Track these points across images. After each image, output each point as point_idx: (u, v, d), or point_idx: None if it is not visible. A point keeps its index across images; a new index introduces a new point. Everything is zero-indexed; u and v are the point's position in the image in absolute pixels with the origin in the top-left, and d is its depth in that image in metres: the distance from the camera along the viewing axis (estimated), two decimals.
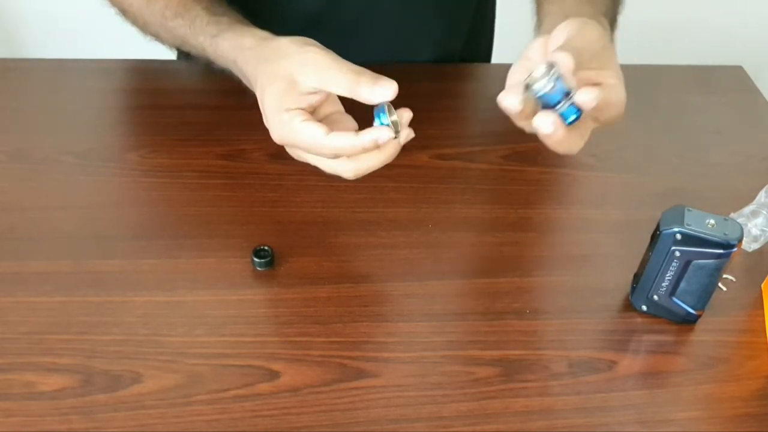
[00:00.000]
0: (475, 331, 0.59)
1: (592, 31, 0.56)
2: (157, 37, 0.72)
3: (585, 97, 0.51)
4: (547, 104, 0.52)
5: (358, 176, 0.58)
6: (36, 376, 0.54)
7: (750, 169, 0.77)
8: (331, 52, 0.56)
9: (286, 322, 0.59)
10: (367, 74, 0.54)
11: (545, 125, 0.51)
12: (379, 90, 0.53)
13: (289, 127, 0.55)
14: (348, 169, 0.57)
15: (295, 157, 0.59)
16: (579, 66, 0.51)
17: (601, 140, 0.80)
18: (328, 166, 0.57)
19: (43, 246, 0.63)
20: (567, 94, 0.52)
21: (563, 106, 0.52)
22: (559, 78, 0.51)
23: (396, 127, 0.55)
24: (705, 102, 0.86)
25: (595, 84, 0.54)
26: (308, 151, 0.57)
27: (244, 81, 0.63)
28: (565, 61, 0.50)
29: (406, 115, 0.56)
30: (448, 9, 0.88)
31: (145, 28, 0.72)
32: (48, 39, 1.49)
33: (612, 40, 0.60)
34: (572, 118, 0.52)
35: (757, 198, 0.68)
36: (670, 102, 0.86)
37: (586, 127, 0.57)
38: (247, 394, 0.54)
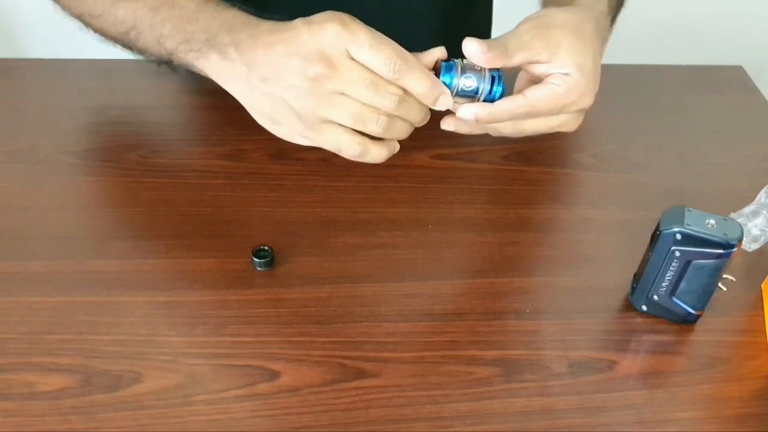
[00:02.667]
0: (475, 331, 0.59)
1: (527, 21, 0.58)
2: (109, 13, 0.64)
3: (464, 114, 0.55)
4: (470, 95, 0.56)
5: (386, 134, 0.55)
6: (36, 376, 0.54)
7: (750, 169, 0.77)
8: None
9: (286, 322, 0.59)
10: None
11: (466, 114, 0.55)
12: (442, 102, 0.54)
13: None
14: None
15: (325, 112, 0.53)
16: (505, 56, 0.55)
17: (601, 140, 0.80)
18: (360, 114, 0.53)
19: (43, 246, 0.63)
20: (480, 79, 0.56)
21: (482, 93, 0.56)
22: (463, 72, 0.55)
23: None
24: (705, 102, 0.86)
25: (545, 78, 0.57)
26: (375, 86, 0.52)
27: (241, 39, 0.55)
28: (467, 50, 0.54)
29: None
30: (443, 8, 0.88)
31: (96, 4, 0.65)
32: (48, 39, 1.49)
33: (590, 19, 0.60)
34: (497, 97, 0.56)
35: (757, 198, 0.68)
36: (670, 102, 0.86)
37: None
38: (247, 394, 0.54)
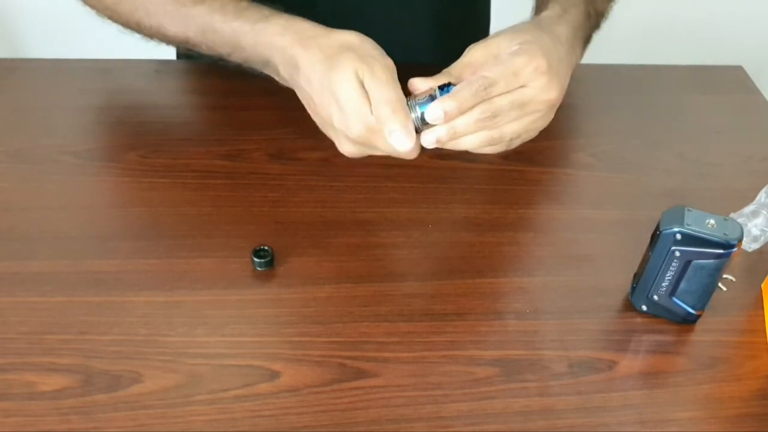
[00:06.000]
0: (475, 331, 0.59)
1: (470, 48, 0.62)
2: (159, 29, 0.70)
3: (433, 115, 0.57)
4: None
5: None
6: (36, 376, 0.54)
7: (750, 169, 0.77)
8: (387, 63, 0.58)
9: (286, 322, 0.59)
10: (398, 115, 0.56)
11: (435, 113, 0.57)
12: (395, 140, 0.57)
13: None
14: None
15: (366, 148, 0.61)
16: (450, 76, 0.59)
17: (601, 140, 0.80)
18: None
19: (43, 246, 0.63)
20: (431, 96, 0.58)
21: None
22: (414, 105, 0.58)
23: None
24: (705, 102, 0.86)
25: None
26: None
27: (287, 69, 0.62)
28: (412, 85, 0.60)
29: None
30: (441, 10, 0.88)
31: (142, 20, 0.70)
32: (48, 39, 1.49)
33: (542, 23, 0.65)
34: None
35: (757, 198, 0.68)
36: (670, 102, 0.86)
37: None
38: (247, 394, 0.54)
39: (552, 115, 0.62)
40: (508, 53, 0.59)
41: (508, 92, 0.58)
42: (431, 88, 0.58)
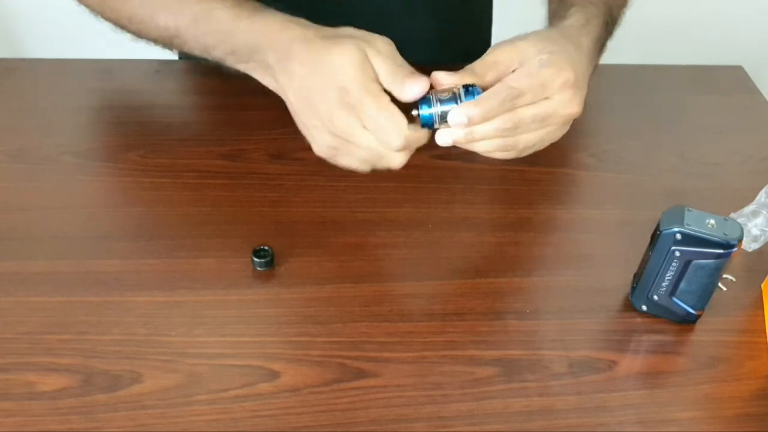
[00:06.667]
0: (475, 331, 0.59)
1: (495, 47, 0.60)
2: (151, 19, 0.68)
3: (455, 120, 0.56)
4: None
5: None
6: (36, 376, 0.54)
7: (750, 169, 0.77)
8: (386, 39, 0.58)
9: (286, 322, 0.59)
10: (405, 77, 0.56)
11: (458, 118, 0.56)
12: (408, 88, 0.56)
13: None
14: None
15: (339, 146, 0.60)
16: (474, 75, 0.58)
17: (600, 140, 0.80)
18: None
19: (43, 246, 0.63)
20: (455, 94, 0.57)
21: (461, 99, 0.57)
22: (435, 99, 0.56)
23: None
24: (705, 102, 0.87)
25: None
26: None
27: (278, 57, 0.61)
28: (435, 78, 0.58)
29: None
30: (443, 9, 0.88)
31: (135, 11, 0.68)
32: (48, 39, 1.49)
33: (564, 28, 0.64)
34: (471, 97, 0.56)
35: (757, 198, 0.68)
36: (670, 102, 0.86)
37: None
38: (247, 394, 0.54)
39: (567, 128, 0.61)
40: (536, 62, 0.57)
41: (532, 104, 0.57)
42: (455, 86, 0.57)
